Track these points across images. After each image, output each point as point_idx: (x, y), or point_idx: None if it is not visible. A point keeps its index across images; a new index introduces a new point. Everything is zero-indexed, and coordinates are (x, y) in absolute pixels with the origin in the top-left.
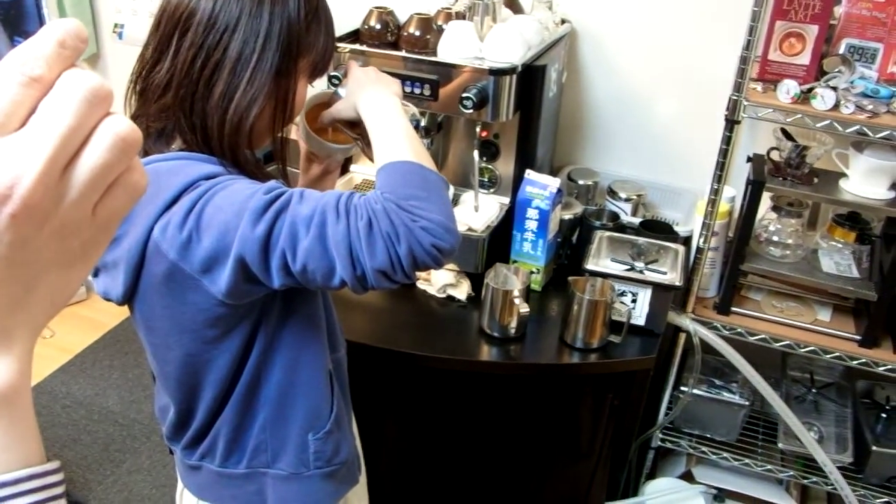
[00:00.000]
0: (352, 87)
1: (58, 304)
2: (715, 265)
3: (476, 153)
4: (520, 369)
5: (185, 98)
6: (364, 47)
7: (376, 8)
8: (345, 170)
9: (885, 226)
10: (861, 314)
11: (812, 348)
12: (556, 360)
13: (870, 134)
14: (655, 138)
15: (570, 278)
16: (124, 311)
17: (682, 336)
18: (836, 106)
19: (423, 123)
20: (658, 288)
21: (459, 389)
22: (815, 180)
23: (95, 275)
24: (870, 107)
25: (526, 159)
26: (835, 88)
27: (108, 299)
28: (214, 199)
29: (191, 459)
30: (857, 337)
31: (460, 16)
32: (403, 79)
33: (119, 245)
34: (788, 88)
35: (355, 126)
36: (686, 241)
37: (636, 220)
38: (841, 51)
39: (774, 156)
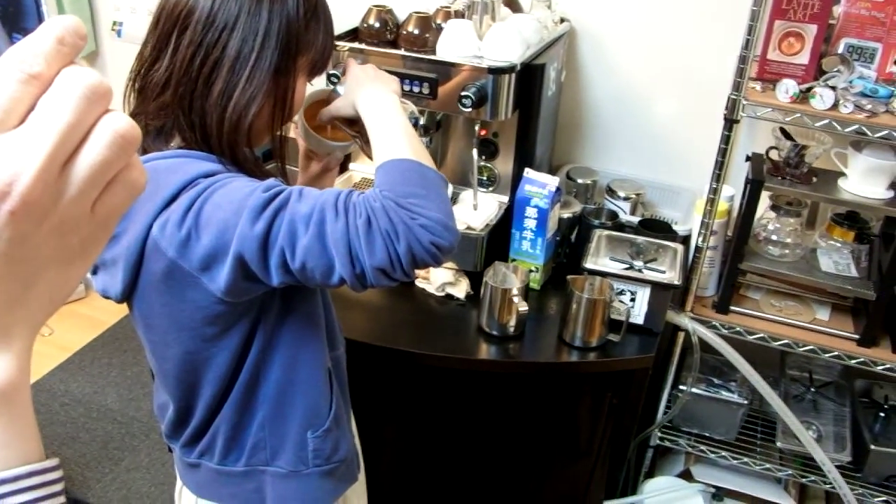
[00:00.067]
0: (350, 84)
1: (57, 301)
2: (714, 264)
3: (475, 152)
4: (518, 368)
5: (184, 96)
6: (363, 46)
7: (375, 6)
8: (343, 168)
9: (884, 225)
10: (860, 313)
11: (811, 347)
12: (554, 359)
13: (868, 133)
14: (654, 137)
15: (568, 277)
16: (123, 309)
17: (681, 335)
18: (835, 105)
19: (421, 122)
20: (657, 287)
21: (458, 388)
22: (814, 179)
23: (94, 272)
24: (868, 106)
25: (525, 158)
26: (833, 88)
27: (107, 297)
28: (213, 196)
29: (190, 457)
30: (856, 336)
31: (459, 14)
32: (402, 77)
33: (118, 243)
34: (787, 88)
35: (354, 124)
36: (685, 240)
37: (635, 219)
38: (840, 50)
39: (773, 155)
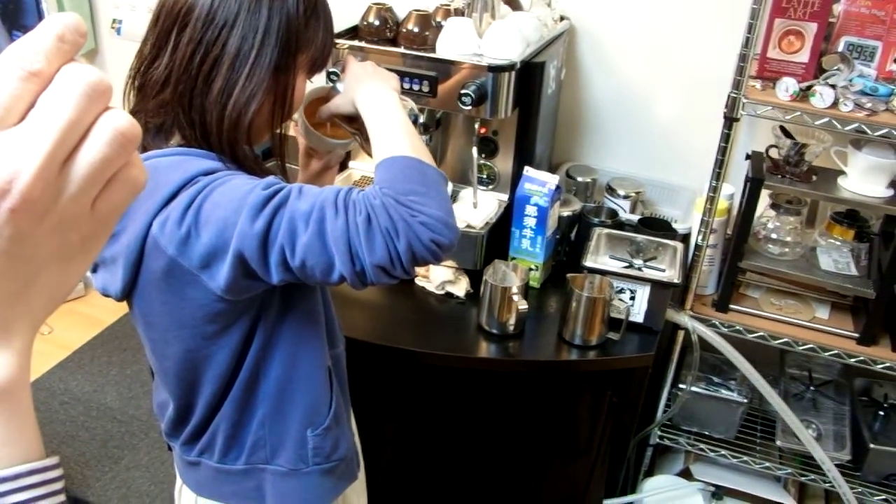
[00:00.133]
0: (350, 81)
1: (57, 298)
2: (713, 262)
3: (475, 150)
4: (518, 366)
5: (184, 94)
6: (363, 43)
7: (375, 4)
8: (343, 166)
9: (884, 223)
10: (859, 312)
11: (810, 346)
12: (554, 357)
13: (868, 132)
14: (654, 135)
15: (568, 275)
16: (123, 308)
17: (681, 333)
18: (835, 104)
19: (421, 119)
20: (656, 285)
21: (458, 386)
22: (814, 178)
23: (94, 270)
24: (868, 105)
25: (525, 156)
26: (833, 86)
27: (107, 295)
28: (213, 194)
29: (189, 455)
30: (856, 335)
31: (459, 12)
32: (402, 75)
33: (118, 241)
34: (787, 86)
35: (353, 121)
36: (685, 239)
37: (635, 218)
38: (840, 49)
39: (773, 153)
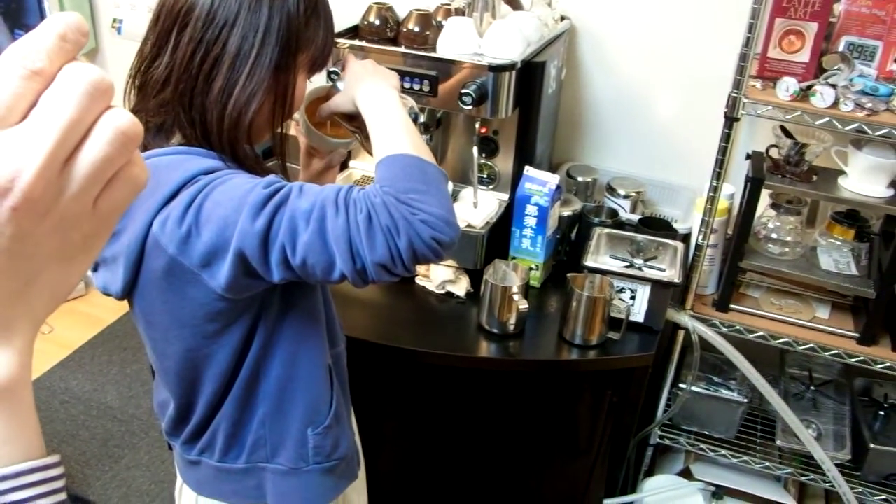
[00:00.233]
0: (349, 80)
1: (58, 297)
2: (714, 262)
3: (475, 149)
4: (518, 366)
5: (185, 93)
6: (363, 43)
7: (376, 4)
8: (344, 165)
9: (884, 223)
10: (859, 312)
11: (810, 346)
12: (554, 357)
13: (869, 131)
14: (655, 135)
15: (569, 275)
16: (123, 307)
17: (681, 333)
18: (836, 103)
19: (421, 118)
20: (657, 285)
21: (458, 386)
22: (814, 178)
23: (95, 269)
24: (869, 104)
25: (525, 156)
26: (834, 86)
27: (108, 294)
28: (214, 193)
29: (190, 454)
30: (856, 334)
31: (459, 12)
32: (403, 75)
33: (118, 240)
34: (788, 86)
35: (354, 119)
36: (685, 238)
37: (635, 217)
38: (840, 48)
39: (773, 153)
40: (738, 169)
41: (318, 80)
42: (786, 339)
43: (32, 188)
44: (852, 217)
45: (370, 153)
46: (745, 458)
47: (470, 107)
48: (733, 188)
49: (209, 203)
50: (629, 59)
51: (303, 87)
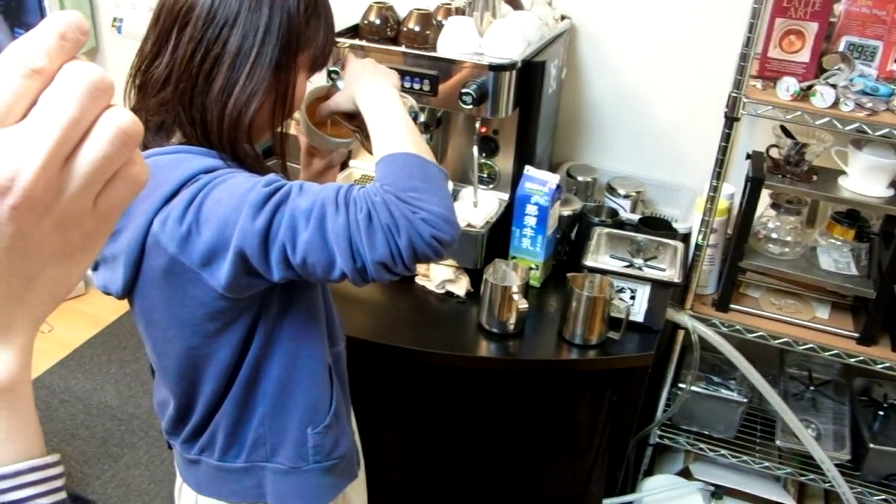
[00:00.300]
0: (349, 79)
1: (58, 296)
2: (714, 262)
3: (475, 149)
4: (518, 365)
5: (185, 92)
6: (363, 42)
7: (376, 3)
8: (344, 165)
9: (884, 223)
10: (859, 312)
11: (810, 346)
12: (554, 357)
13: (869, 132)
14: (655, 135)
15: (568, 275)
16: (123, 306)
17: (681, 333)
18: (836, 103)
19: (421, 118)
20: (657, 285)
21: (458, 385)
22: (815, 178)
23: (95, 268)
24: (869, 104)
25: (525, 155)
26: (834, 86)
27: (108, 293)
28: (214, 192)
29: (190, 454)
30: (856, 334)
31: (460, 11)
32: (403, 74)
33: (118, 239)
34: (788, 86)
35: (354, 118)
36: (685, 238)
37: (635, 217)
38: (840, 48)
39: (774, 153)
40: (738, 169)
41: (318, 80)
42: (785, 339)
43: (32, 187)
44: (852, 217)
45: (370, 152)
46: (745, 457)
47: (470, 106)
48: (733, 188)
49: (209, 202)
50: (629, 58)
51: (303, 87)
